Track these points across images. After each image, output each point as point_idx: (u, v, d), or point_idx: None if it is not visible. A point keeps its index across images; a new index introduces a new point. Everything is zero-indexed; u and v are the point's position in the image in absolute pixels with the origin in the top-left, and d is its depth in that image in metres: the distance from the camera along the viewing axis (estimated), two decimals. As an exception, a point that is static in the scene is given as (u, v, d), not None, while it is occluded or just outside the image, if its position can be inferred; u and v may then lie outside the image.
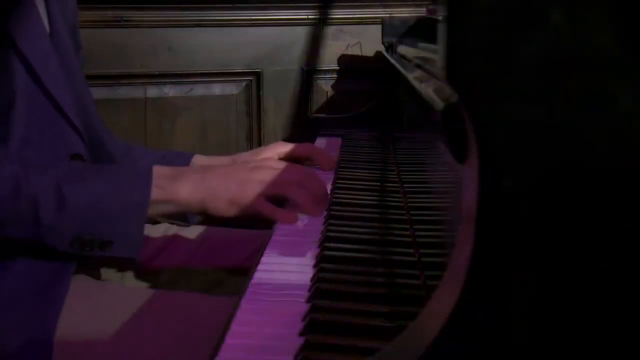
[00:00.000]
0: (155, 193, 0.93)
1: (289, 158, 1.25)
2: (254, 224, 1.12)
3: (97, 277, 1.10)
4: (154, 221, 1.21)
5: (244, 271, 1.00)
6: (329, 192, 1.09)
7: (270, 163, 1.04)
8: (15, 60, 0.91)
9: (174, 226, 1.24)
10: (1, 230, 0.88)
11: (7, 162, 0.87)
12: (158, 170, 0.96)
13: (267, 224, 1.01)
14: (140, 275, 1.15)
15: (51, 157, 0.96)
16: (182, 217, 1.16)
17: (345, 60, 1.88)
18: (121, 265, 1.08)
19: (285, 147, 1.27)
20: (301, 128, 1.86)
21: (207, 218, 1.35)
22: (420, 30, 1.67)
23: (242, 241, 1.23)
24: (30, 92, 0.93)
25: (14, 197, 0.86)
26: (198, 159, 1.24)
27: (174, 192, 0.95)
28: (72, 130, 0.98)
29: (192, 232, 1.24)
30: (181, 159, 1.24)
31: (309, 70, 1.86)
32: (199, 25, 1.78)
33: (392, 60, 1.46)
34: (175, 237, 1.23)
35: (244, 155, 1.27)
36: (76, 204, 0.88)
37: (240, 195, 0.97)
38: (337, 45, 1.87)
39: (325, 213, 1.02)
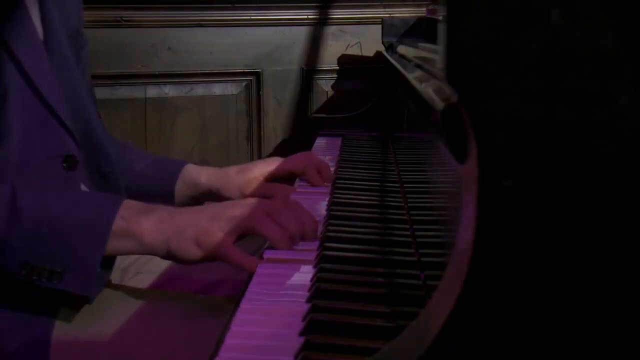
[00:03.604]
0: (117, 224, 0.84)
1: (281, 173, 1.22)
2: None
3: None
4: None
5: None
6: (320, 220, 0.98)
7: (248, 200, 0.93)
8: (7, 61, 0.91)
9: None
10: None
11: None
12: (128, 203, 0.88)
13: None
14: (149, 265, 1.14)
15: (44, 158, 0.96)
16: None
17: (345, 60, 1.88)
18: (76, 302, 0.94)
19: (277, 163, 1.23)
20: (301, 128, 1.86)
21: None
22: (420, 30, 1.67)
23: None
24: (23, 93, 0.92)
25: None
26: (189, 168, 1.22)
27: (137, 226, 0.86)
28: (65, 131, 0.97)
29: None
30: (174, 164, 1.22)
31: (309, 70, 1.86)
32: (199, 25, 1.78)
33: (392, 60, 1.46)
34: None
35: (233, 169, 1.22)
36: (30, 218, 0.81)
37: (206, 233, 0.86)
38: (337, 45, 1.87)
39: (325, 213, 1.01)
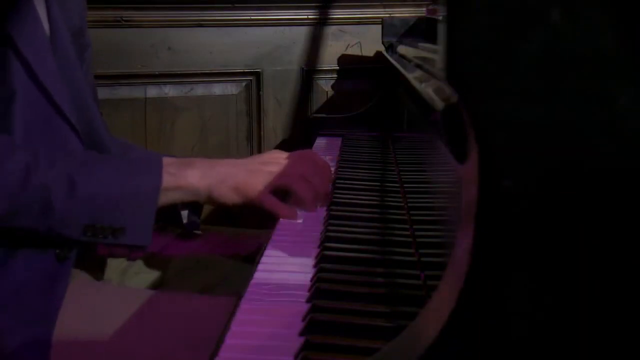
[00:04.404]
0: (166, 180, 0.95)
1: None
2: (257, 220, 1.12)
3: (100, 277, 1.10)
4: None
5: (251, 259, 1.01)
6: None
7: (279, 159, 1.06)
8: (13, 58, 0.91)
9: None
10: (13, 220, 0.87)
11: (18, 152, 0.87)
12: (167, 159, 0.98)
13: (266, 224, 1.01)
14: (149, 264, 1.16)
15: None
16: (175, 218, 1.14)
17: (345, 60, 1.88)
18: (131, 252, 1.08)
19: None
20: (301, 128, 1.86)
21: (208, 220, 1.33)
22: (420, 30, 1.67)
23: (242, 241, 1.23)
24: (28, 90, 0.93)
25: (25, 186, 0.86)
26: None
27: (184, 179, 0.97)
28: (69, 128, 0.98)
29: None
30: None
31: (309, 70, 1.86)
32: (199, 25, 1.78)
33: (392, 60, 1.46)
34: (178, 236, 1.23)
35: None
36: (87, 191, 0.89)
37: (245, 183, 0.99)
38: (337, 45, 1.87)
39: (325, 213, 1.02)
